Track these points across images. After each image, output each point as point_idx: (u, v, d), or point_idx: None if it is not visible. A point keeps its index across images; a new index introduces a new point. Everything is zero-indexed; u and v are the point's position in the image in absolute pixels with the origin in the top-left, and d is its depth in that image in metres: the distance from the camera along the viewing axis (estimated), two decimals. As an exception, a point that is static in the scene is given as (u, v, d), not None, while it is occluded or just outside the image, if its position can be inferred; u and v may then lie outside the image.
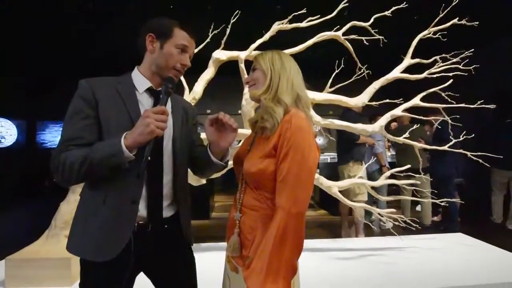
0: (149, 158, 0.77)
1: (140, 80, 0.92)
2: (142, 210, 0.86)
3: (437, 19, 2.28)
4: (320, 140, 6.35)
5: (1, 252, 2.37)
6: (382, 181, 2.42)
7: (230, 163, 2.25)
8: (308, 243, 2.86)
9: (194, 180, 2.17)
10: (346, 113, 3.11)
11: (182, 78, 2.28)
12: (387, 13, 2.25)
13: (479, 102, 2.26)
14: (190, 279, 1.03)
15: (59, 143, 0.81)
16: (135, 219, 0.84)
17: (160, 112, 0.77)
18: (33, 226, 3.72)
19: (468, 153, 2.26)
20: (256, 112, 1.02)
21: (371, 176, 3.60)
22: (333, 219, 4.22)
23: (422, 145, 2.45)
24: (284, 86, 0.89)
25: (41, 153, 6.42)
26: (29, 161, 6.14)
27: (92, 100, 0.83)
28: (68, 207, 2.03)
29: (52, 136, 6.67)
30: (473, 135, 2.48)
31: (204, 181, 2.28)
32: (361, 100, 2.30)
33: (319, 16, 2.24)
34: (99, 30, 4.50)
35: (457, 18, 2.29)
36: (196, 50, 2.25)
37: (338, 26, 2.27)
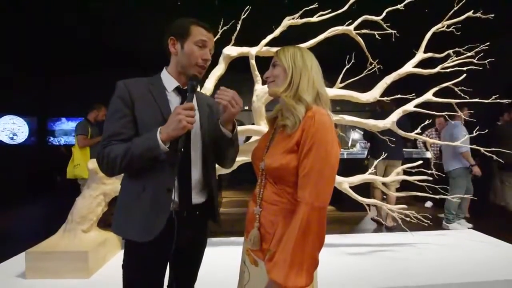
0: (182, 149, 0.87)
1: (169, 80, 1.00)
2: (175, 198, 0.94)
3: (451, 12, 2.23)
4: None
5: (17, 245, 2.46)
6: (393, 177, 2.41)
7: (240, 159, 2.28)
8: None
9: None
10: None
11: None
12: (399, 6, 2.21)
13: (493, 97, 2.23)
14: (200, 260, 1.13)
15: (102, 138, 0.92)
16: (170, 205, 0.92)
17: (189, 108, 0.85)
18: (47, 221, 3.82)
19: (482, 149, 2.24)
20: (275, 108, 1.02)
21: (453, 175, 3.30)
22: (341, 215, 4.22)
23: (434, 140, 2.43)
24: (305, 84, 0.89)
25: (52, 149, 6.54)
26: (41, 157, 6.27)
27: (128, 100, 0.92)
28: (84, 202, 2.07)
29: (62, 132, 6.78)
30: (486, 130, 2.45)
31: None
32: (373, 95, 2.28)
33: (330, 10, 2.22)
34: (108, 28, 4.53)
35: (472, 11, 2.25)
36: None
37: (350, 21, 2.24)
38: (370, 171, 2.38)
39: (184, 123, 0.83)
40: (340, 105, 5.77)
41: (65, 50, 5.40)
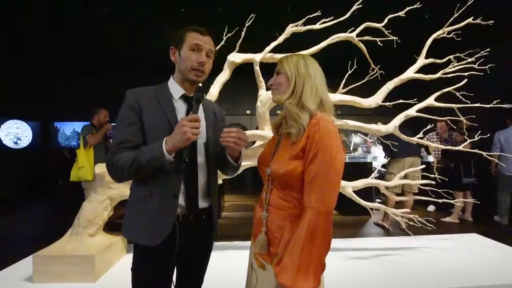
0: (186, 159, 0.90)
1: (175, 88, 1.04)
2: (182, 202, 0.98)
3: (452, 19, 2.27)
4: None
5: (21, 249, 2.48)
6: (396, 181, 2.43)
7: (244, 164, 2.31)
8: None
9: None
10: None
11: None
12: (401, 13, 2.25)
13: (494, 102, 2.25)
14: (206, 264, 1.14)
15: (112, 146, 0.95)
16: (176, 210, 0.95)
17: (194, 120, 0.88)
18: (51, 225, 3.84)
19: (484, 153, 2.25)
20: (279, 114, 1.05)
21: None
22: (343, 218, 4.22)
23: (437, 145, 2.44)
24: (308, 92, 0.91)
25: (55, 153, 6.59)
26: (44, 162, 6.32)
27: (137, 108, 0.95)
28: (91, 207, 2.10)
29: (66, 136, 6.84)
30: (488, 135, 2.47)
31: (220, 181, 2.33)
32: (375, 100, 2.31)
33: (332, 18, 2.26)
34: (112, 34, 4.59)
35: (472, 18, 2.28)
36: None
37: (353, 28, 2.28)
38: (373, 175, 2.40)
39: (189, 135, 0.85)
40: (340, 109, 5.81)
41: (69, 54, 5.47)
